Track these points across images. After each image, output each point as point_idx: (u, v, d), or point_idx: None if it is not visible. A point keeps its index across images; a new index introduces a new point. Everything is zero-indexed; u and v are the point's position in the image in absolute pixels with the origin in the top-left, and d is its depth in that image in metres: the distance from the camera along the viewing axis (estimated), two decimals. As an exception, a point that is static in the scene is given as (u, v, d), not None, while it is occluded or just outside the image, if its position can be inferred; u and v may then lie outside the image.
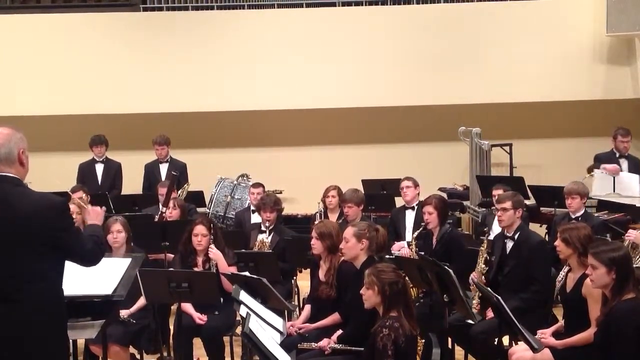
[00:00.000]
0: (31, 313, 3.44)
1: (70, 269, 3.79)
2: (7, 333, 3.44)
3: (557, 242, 4.81)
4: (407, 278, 5.35)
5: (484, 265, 5.67)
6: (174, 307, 6.31)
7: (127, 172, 9.52)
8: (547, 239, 7.24)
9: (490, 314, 5.28)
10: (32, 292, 3.45)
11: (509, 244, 5.64)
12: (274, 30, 10.58)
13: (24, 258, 3.46)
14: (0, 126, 3.57)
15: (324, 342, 4.84)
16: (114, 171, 9.41)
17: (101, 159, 9.37)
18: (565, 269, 5.02)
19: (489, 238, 5.98)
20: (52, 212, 3.52)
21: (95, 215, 3.99)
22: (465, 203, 9.61)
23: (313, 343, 4.90)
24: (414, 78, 10.52)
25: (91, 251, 3.66)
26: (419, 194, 7.67)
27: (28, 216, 3.47)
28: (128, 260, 4.41)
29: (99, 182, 9.28)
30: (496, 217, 6.02)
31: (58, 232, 3.51)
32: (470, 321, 5.19)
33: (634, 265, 4.42)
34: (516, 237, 5.62)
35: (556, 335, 4.81)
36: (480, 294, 5.41)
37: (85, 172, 9.32)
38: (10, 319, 3.43)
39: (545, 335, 4.79)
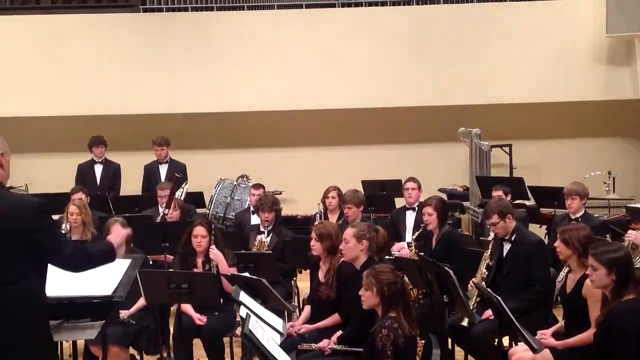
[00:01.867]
0: (8, 314, 3.41)
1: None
2: None
3: (557, 243, 4.80)
4: (406, 279, 5.35)
5: (485, 270, 5.65)
6: (173, 308, 6.31)
7: (127, 173, 9.50)
8: (546, 239, 7.23)
9: (490, 314, 5.27)
10: (9, 293, 3.42)
11: (507, 246, 5.63)
12: (274, 30, 10.57)
13: (1, 259, 3.43)
14: None
15: (323, 343, 4.83)
16: (113, 172, 9.38)
17: (100, 160, 9.33)
18: (565, 269, 5.01)
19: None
20: (28, 213, 3.49)
21: (115, 235, 4.14)
22: (465, 204, 9.60)
23: (313, 344, 4.90)
24: (414, 78, 10.53)
25: (69, 258, 3.62)
26: (420, 196, 7.67)
27: (4, 218, 3.44)
28: (128, 261, 4.39)
29: (98, 183, 9.25)
30: None
31: (34, 233, 3.47)
32: (464, 323, 5.18)
33: (634, 266, 4.41)
34: (513, 238, 5.61)
35: (556, 335, 4.80)
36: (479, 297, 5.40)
37: (85, 173, 9.28)
38: None
39: (545, 335, 4.79)
